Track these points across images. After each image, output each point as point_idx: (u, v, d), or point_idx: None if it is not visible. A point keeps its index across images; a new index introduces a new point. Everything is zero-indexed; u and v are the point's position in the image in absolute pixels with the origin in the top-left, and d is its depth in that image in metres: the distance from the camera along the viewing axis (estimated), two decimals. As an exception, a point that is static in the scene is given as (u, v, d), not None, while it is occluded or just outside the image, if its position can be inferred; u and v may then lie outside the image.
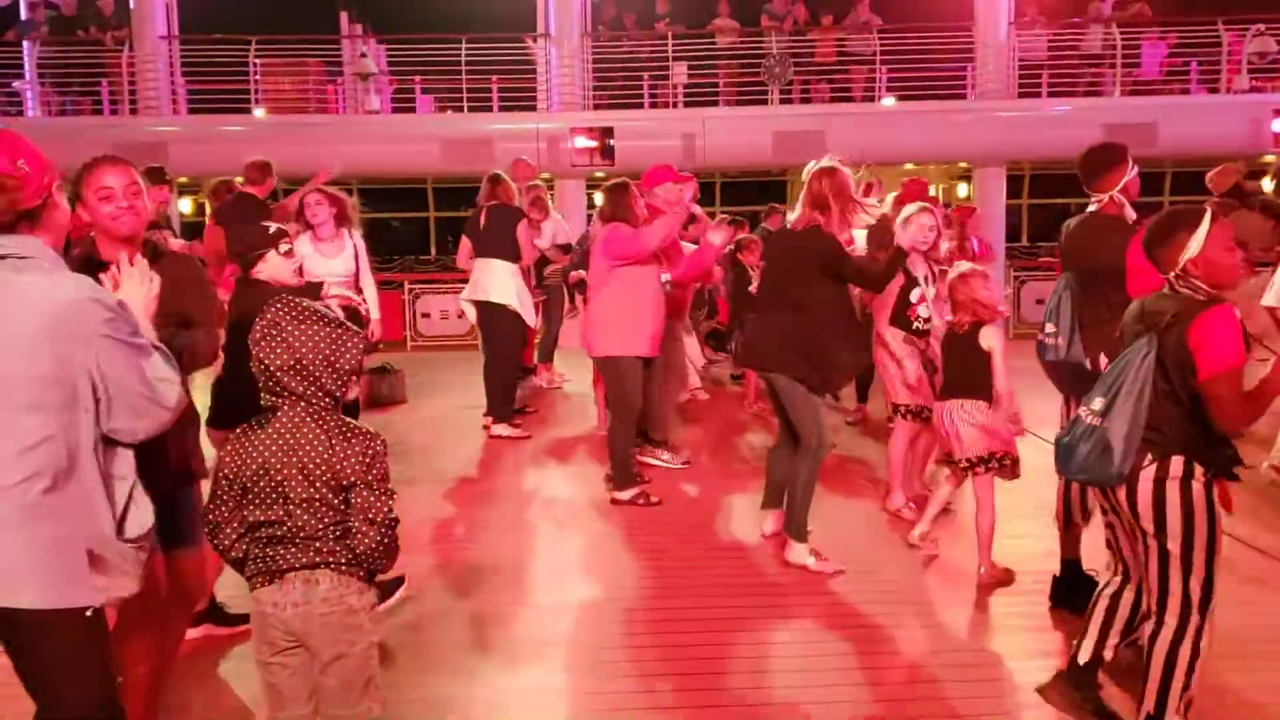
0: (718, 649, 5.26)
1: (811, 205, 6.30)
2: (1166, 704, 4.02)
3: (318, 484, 3.19)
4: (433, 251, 22.31)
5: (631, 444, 7.99)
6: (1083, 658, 4.41)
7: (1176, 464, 3.94)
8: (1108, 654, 4.37)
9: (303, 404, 3.23)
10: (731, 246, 11.38)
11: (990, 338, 6.18)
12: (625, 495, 7.74)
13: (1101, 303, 5.26)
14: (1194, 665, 4.00)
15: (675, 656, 5.17)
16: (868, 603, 5.84)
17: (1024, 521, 7.07)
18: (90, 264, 3.71)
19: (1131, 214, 5.46)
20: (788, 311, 6.27)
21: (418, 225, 22.86)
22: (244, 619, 5.41)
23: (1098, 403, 4.05)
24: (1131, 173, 5.45)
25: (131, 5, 19.15)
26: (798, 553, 6.43)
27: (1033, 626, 5.50)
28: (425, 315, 17.74)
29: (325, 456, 3.19)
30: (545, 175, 17.37)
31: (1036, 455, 8.53)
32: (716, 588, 6.10)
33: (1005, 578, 6.09)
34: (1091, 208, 5.58)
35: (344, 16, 20.01)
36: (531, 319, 9.88)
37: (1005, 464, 6.16)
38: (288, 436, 3.21)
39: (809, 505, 6.47)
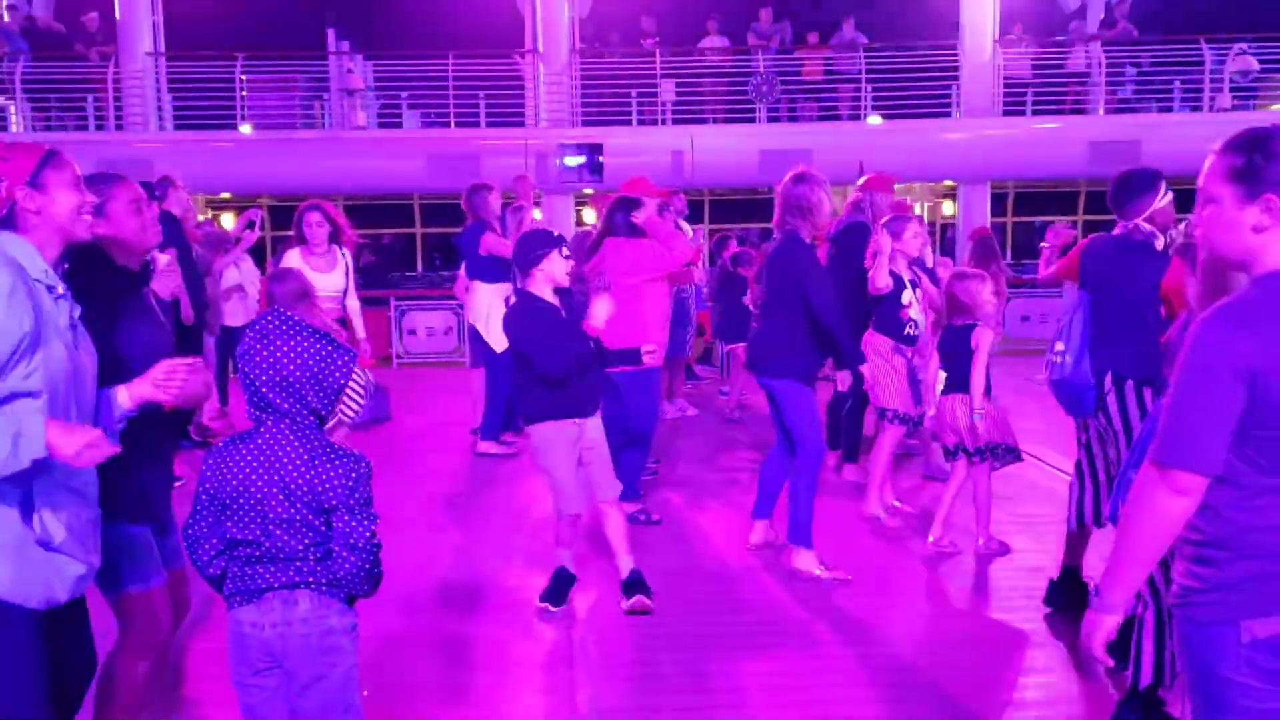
0: (718, 666, 5.24)
1: (786, 213, 6.48)
2: None
3: (298, 505, 3.13)
4: (419, 268, 22.30)
5: (643, 458, 7.96)
6: (1142, 683, 4.39)
7: None
8: (1167, 676, 4.35)
9: (287, 421, 3.18)
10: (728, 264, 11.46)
11: (979, 337, 6.55)
12: (627, 510, 7.67)
13: (1118, 325, 5.29)
14: None
15: (675, 674, 5.15)
16: (863, 614, 5.84)
17: (1013, 538, 7.09)
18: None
19: (1161, 241, 5.45)
20: (782, 318, 6.38)
21: (404, 241, 22.86)
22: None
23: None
24: (1162, 200, 5.42)
25: (118, 21, 19.13)
26: (805, 560, 6.46)
27: (1027, 642, 5.47)
28: (411, 332, 17.72)
29: (307, 477, 3.14)
30: (534, 191, 17.36)
31: (1028, 472, 8.58)
32: (713, 604, 6.09)
33: (1002, 549, 6.77)
34: (1117, 232, 5.57)
35: (330, 33, 20.03)
36: (497, 343, 9.70)
37: (1010, 452, 6.61)
38: (269, 454, 3.16)
39: (812, 513, 6.50)
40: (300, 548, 3.16)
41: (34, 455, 2.87)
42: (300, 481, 3.14)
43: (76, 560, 3.19)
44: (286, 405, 3.15)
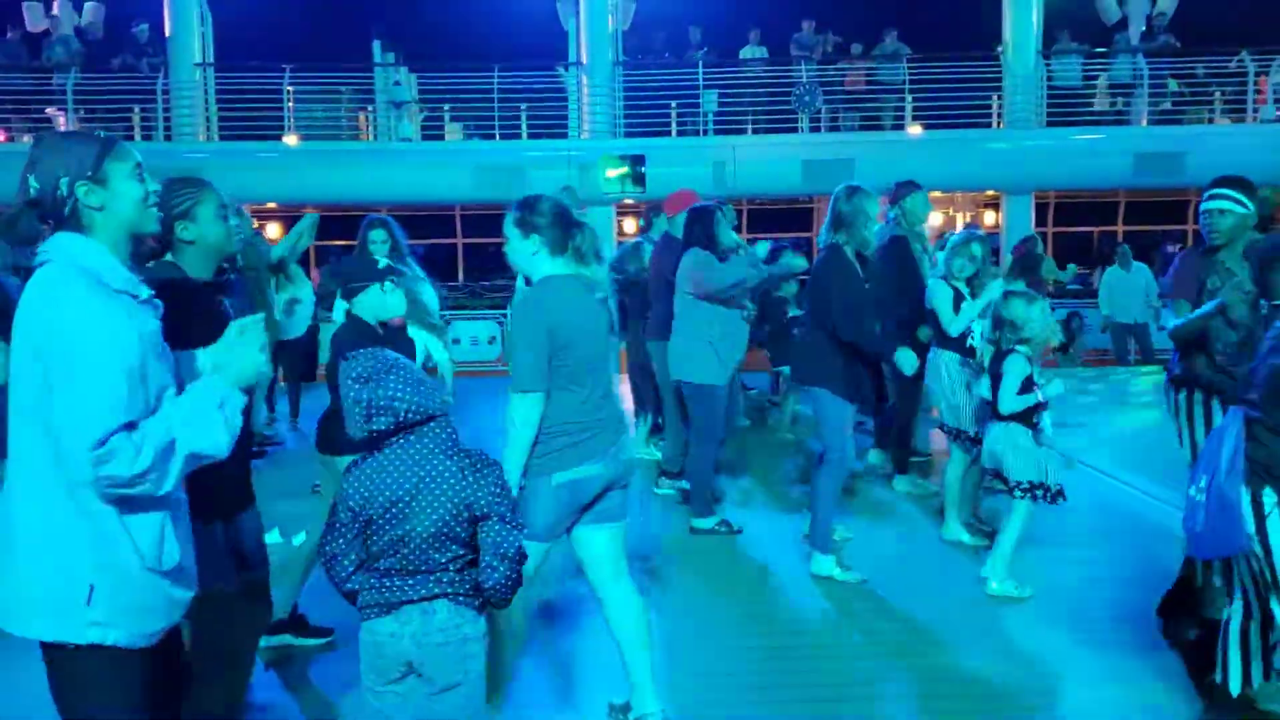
0: (770, 675, 5.27)
1: (832, 226, 6.56)
2: None
3: (448, 518, 3.17)
4: (460, 277, 22.42)
5: (712, 472, 7.94)
6: (1235, 689, 4.41)
7: (1269, 494, 4.06)
8: (1254, 682, 4.39)
9: (429, 436, 3.25)
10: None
11: (1009, 364, 6.18)
12: (705, 524, 7.58)
13: None
14: None
15: (723, 685, 5.20)
16: (928, 631, 5.82)
17: (1083, 548, 7.07)
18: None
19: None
20: (822, 328, 6.45)
21: (446, 251, 22.98)
22: (325, 632, 5.49)
23: (1204, 480, 4.17)
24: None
25: (168, 33, 19.36)
26: (820, 564, 6.55)
27: (1099, 654, 5.44)
28: (455, 341, 17.85)
29: (458, 489, 3.18)
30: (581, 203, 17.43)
31: (1100, 485, 8.58)
32: (765, 615, 6.11)
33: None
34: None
35: (377, 45, 20.19)
36: None
37: (1050, 494, 6.14)
38: (419, 469, 3.20)
39: (831, 518, 6.61)
40: (444, 560, 3.20)
41: (240, 406, 2.89)
42: (452, 494, 3.18)
43: (188, 586, 3.05)
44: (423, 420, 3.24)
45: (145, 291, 2.95)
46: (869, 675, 5.28)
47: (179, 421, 2.77)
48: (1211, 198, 5.41)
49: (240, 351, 2.94)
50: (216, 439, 2.81)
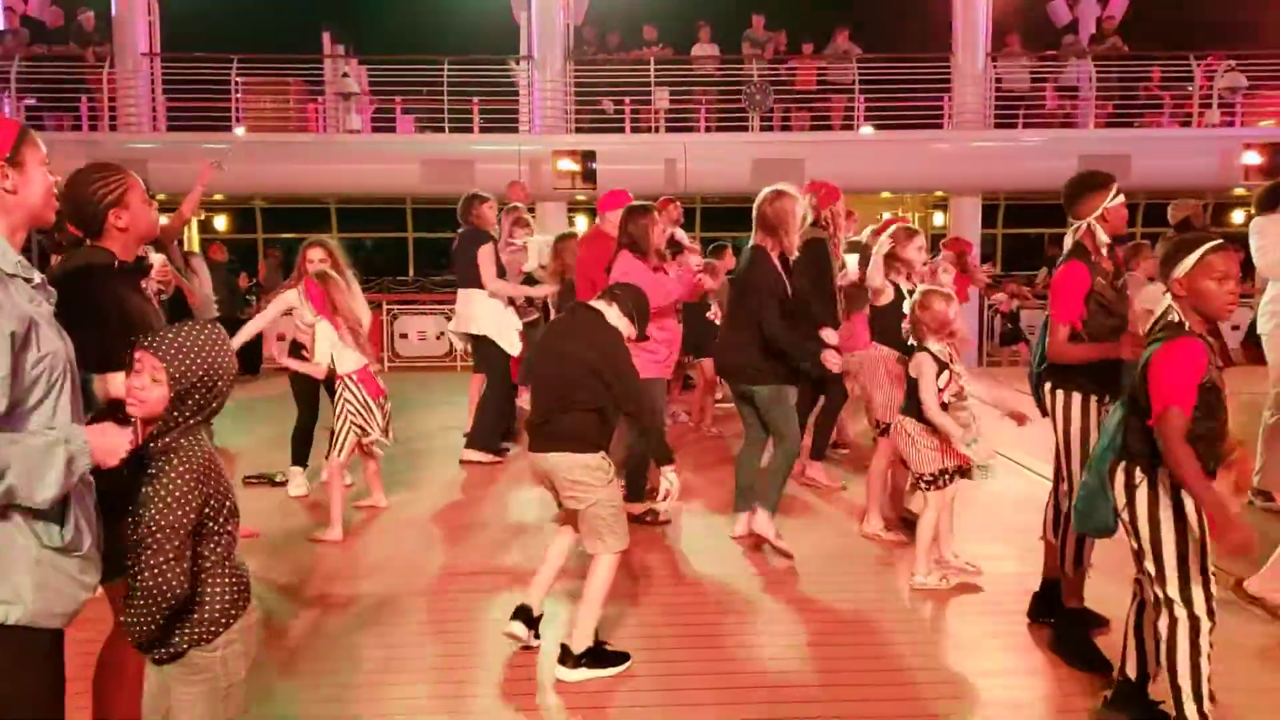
0: (693, 666, 5.27)
1: (759, 228, 6.77)
2: (1181, 702, 4.06)
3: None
4: (410, 272, 22.30)
5: (648, 464, 7.95)
6: (1131, 673, 4.47)
7: (1138, 472, 4.14)
8: (1152, 668, 4.41)
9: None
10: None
11: (916, 365, 6.39)
12: (635, 510, 7.61)
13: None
14: (1197, 662, 4.04)
15: (655, 673, 5.19)
16: (845, 622, 5.88)
17: (997, 544, 7.14)
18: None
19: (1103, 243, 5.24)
20: (753, 329, 6.55)
21: (396, 246, 22.85)
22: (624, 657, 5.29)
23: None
24: (1111, 200, 5.18)
25: (114, 21, 19.13)
26: (762, 520, 6.88)
27: (1012, 645, 5.54)
28: (403, 336, 17.79)
29: None
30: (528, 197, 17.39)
31: (1009, 479, 8.64)
32: (690, 606, 6.13)
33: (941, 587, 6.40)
34: (1068, 237, 5.32)
35: (326, 36, 20.05)
36: (512, 347, 9.73)
37: (958, 475, 6.41)
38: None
39: (782, 486, 6.96)
40: None
41: (85, 469, 2.74)
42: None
43: (97, 566, 2.93)
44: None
45: (38, 275, 2.86)
46: (787, 666, 5.29)
47: (19, 453, 2.63)
48: None
49: (113, 443, 2.79)
50: (43, 492, 2.67)
